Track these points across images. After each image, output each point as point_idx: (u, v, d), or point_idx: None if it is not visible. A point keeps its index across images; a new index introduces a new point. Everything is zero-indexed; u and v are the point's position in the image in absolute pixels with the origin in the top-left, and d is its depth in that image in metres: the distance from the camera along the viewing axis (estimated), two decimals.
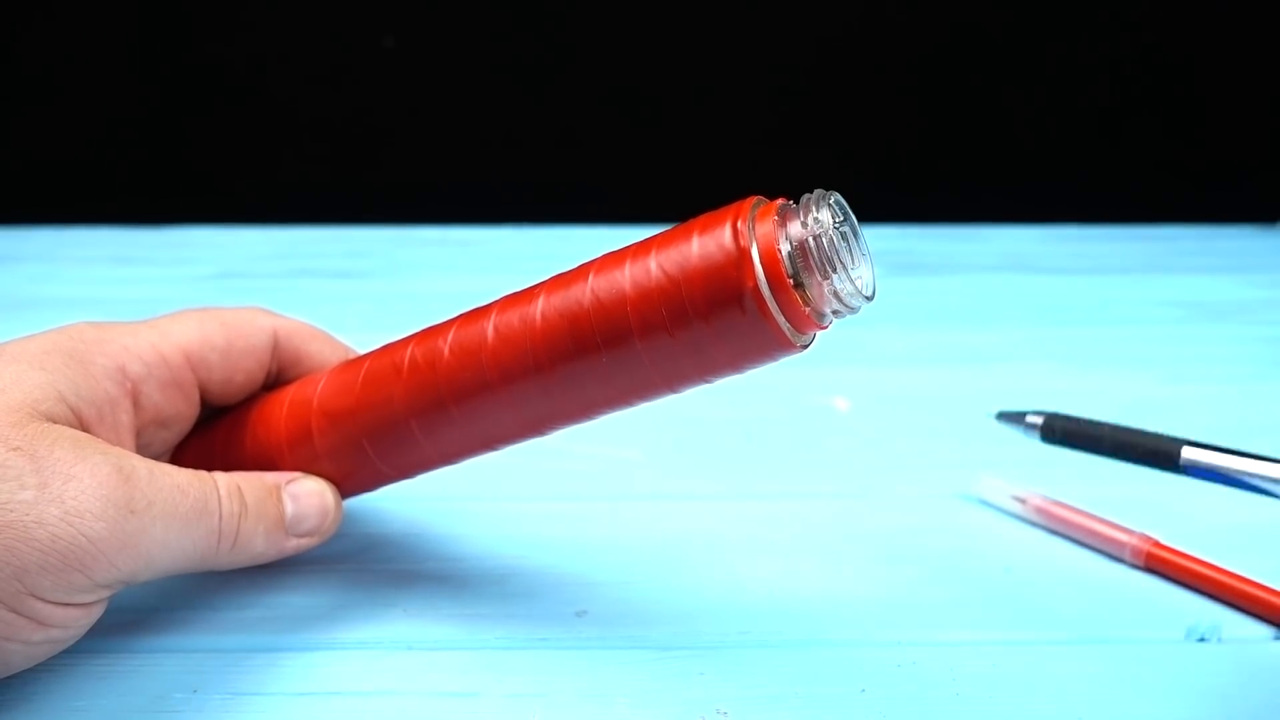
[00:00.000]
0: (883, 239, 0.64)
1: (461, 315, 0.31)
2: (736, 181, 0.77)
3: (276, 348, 0.35)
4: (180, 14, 0.71)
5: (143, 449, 0.33)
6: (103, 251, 0.64)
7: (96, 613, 0.29)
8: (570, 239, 0.66)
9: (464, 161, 0.75)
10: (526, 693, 0.30)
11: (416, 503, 0.39)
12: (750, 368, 0.28)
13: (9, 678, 0.29)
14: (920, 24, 0.73)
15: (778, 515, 0.39)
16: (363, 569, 0.36)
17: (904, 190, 0.77)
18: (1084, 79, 0.75)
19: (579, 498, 0.40)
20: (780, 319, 0.26)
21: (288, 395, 0.34)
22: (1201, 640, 0.33)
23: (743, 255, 0.26)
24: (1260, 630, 0.33)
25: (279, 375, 0.36)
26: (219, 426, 0.35)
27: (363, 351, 0.36)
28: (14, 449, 0.27)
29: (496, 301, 0.31)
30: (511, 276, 0.61)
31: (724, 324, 0.26)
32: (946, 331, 0.56)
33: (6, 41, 0.71)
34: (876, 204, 0.70)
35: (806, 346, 0.27)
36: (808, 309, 0.26)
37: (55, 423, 0.28)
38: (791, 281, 0.26)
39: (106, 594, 0.28)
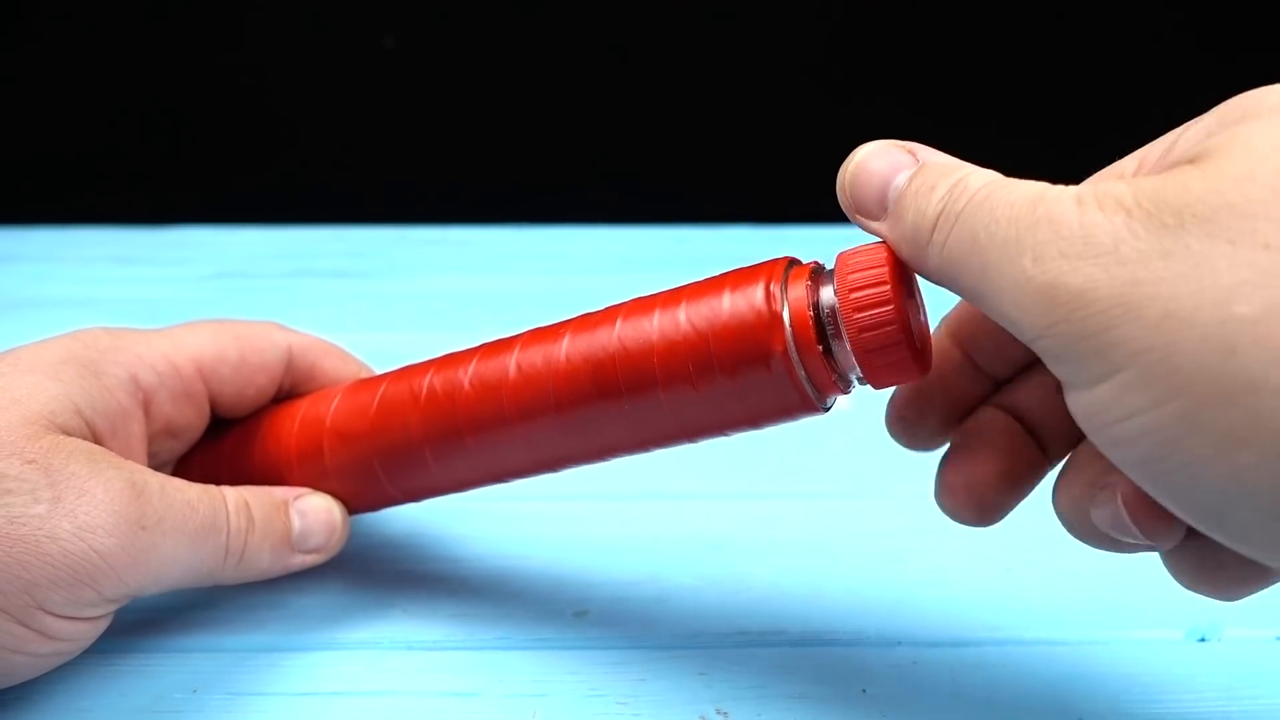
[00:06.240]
0: None
1: (483, 346, 0.31)
2: (736, 181, 0.77)
3: (290, 363, 0.35)
4: (180, 13, 0.71)
5: (150, 458, 0.33)
6: (103, 251, 0.64)
7: (102, 626, 0.29)
8: (570, 239, 0.66)
9: (464, 161, 0.74)
10: (526, 693, 0.31)
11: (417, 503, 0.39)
12: (770, 425, 0.28)
13: None
14: (920, 24, 0.73)
15: (778, 515, 0.39)
16: (363, 569, 0.36)
17: None
18: (1082, 78, 0.75)
19: (579, 498, 0.40)
20: (806, 383, 0.26)
21: (300, 410, 0.34)
22: (1202, 640, 0.33)
23: (774, 318, 0.26)
24: (1260, 630, 0.33)
25: (292, 390, 0.36)
26: (228, 437, 0.35)
27: (375, 369, 0.36)
28: (29, 462, 0.27)
29: (520, 336, 0.31)
30: (511, 277, 0.61)
31: (749, 383, 0.26)
32: None
33: (6, 41, 0.71)
34: None
35: (828, 409, 0.27)
36: (834, 375, 0.26)
37: (69, 435, 0.28)
38: (820, 348, 0.26)
39: (113, 608, 0.29)
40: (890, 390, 0.29)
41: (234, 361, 0.34)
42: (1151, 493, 0.21)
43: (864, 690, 0.31)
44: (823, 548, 0.37)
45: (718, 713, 0.30)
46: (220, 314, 0.37)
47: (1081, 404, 0.22)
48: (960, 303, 0.29)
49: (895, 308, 0.25)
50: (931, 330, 0.29)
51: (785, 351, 0.26)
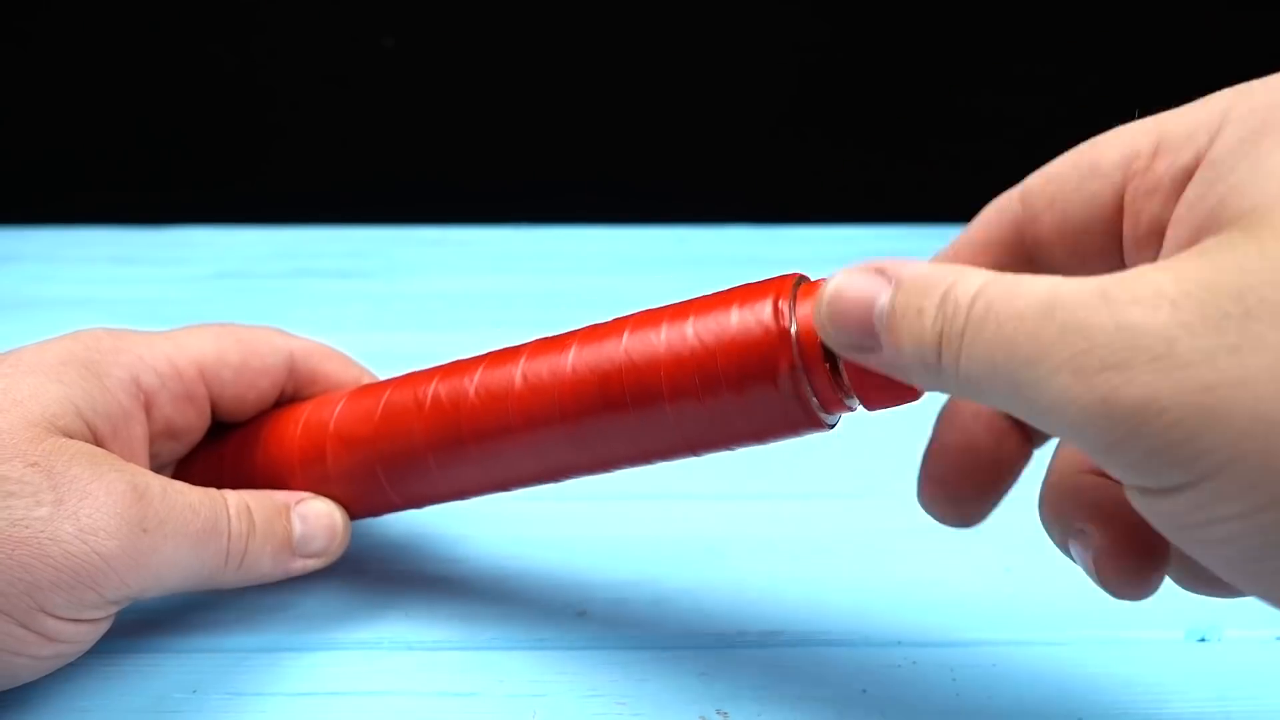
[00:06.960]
0: (883, 239, 0.64)
1: (489, 355, 0.31)
2: (735, 180, 0.77)
3: (292, 369, 0.35)
4: (180, 13, 0.71)
5: (151, 459, 0.33)
6: (102, 251, 0.64)
7: (103, 628, 0.29)
8: (570, 239, 0.66)
9: (464, 161, 0.74)
10: (526, 693, 0.31)
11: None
12: (775, 441, 0.28)
13: None
14: (920, 23, 0.73)
15: (778, 515, 0.39)
16: (363, 569, 0.36)
17: (903, 189, 0.77)
18: (1082, 77, 0.75)
19: (579, 498, 0.40)
20: (812, 400, 0.26)
21: (303, 414, 0.34)
22: (1201, 640, 0.33)
23: (782, 334, 0.26)
24: (1260, 630, 0.33)
25: (293, 395, 0.36)
26: (229, 440, 0.35)
27: (376, 371, 0.36)
28: (31, 464, 0.27)
29: (526, 345, 0.31)
30: (511, 276, 0.61)
31: (756, 398, 0.26)
32: None
33: (6, 41, 0.71)
34: (876, 203, 0.70)
35: (834, 426, 0.28)
36: (840, 394, 0.26)
37: (71, 438, 0.28)
38: (827, 365, 0.26)
39: (114, 609, 0.29)
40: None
41: (235, 364, 0.34)
42: (1242, 586, 0.19)
43: (864, 690, 0.31)
44: (822, 548, 0.37)
45: (718, 713, 0.30)
46: (220, 314, 0.37)
47: (1159, 509, 0.19)
48: None
49: None
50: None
51: (793, 368, 0.26)
